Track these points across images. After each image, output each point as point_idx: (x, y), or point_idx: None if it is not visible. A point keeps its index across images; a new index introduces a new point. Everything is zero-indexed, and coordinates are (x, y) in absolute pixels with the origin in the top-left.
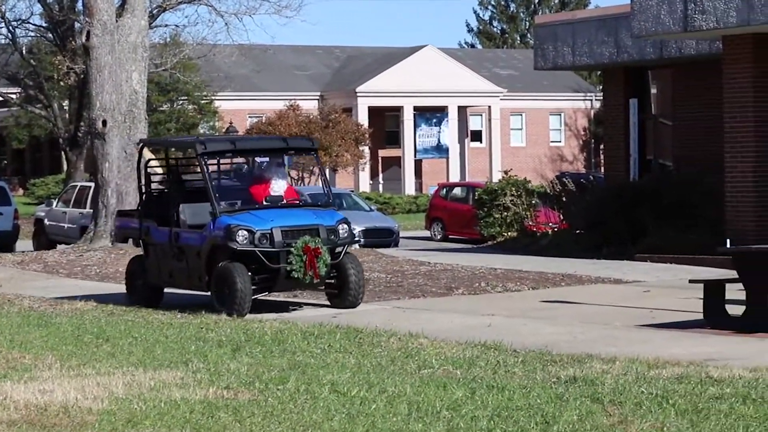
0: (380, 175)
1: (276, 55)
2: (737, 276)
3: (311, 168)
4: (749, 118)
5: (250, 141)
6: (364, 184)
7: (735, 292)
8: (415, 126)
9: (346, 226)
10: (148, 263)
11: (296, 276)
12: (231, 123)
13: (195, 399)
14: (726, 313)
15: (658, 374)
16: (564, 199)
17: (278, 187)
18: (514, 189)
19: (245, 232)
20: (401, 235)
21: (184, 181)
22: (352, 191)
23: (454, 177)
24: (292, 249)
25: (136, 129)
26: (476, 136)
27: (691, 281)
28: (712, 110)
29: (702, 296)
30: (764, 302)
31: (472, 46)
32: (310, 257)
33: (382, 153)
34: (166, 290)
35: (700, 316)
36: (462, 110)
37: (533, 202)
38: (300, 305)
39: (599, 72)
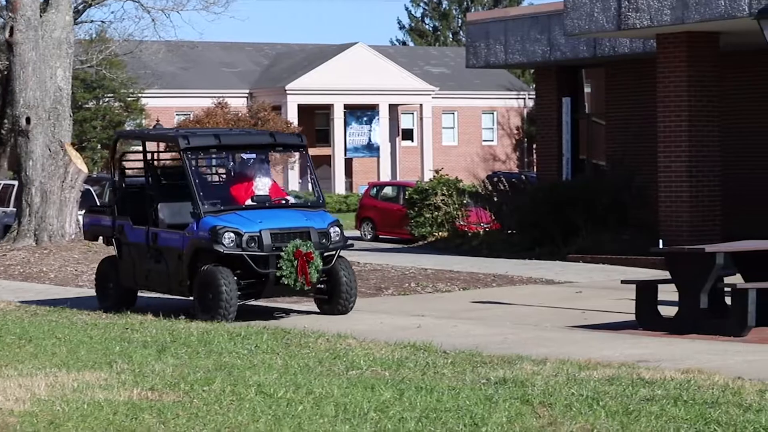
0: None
1: (204, 52)
2: (670, 277)
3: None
4: (683, 117)
5: (236, 136)
6: (294, 183)
7: (668, 293)
8: (346, 124)
9: (338, 228)
10: (121, 264)
11: (286, 282)
12: (158, 121)
13: (119, 400)
14: (658, 314)
15: (589, 376)
16: (496, 198)
17: (263, 185)
18: (445, 188)
19: (232, 235)
20: None
21: (160, 177)
22: None
23: (385, 176)
24: (283, 253)
25: (60, 127)
26: (407, 134)
27: (623, 282)
28: (646, 110)
29: (634, 297)
30: (697, 303)
31: (404, 43)
32: (301, 262)
33: (311, 152)
34: (139, 293)
35: (633, 317)
36: (393, 108)
37: (464, 201)
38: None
39: (532, 70)
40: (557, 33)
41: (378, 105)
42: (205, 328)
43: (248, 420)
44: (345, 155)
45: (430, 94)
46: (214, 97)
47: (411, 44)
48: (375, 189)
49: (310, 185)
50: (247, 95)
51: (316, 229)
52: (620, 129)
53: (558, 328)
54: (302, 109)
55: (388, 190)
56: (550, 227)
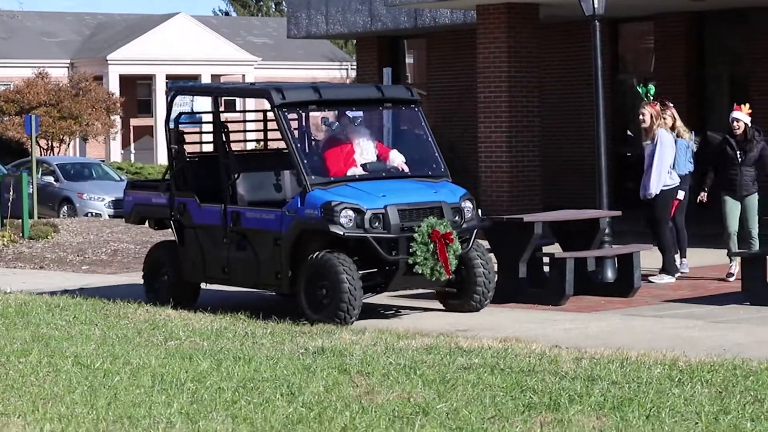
0: (132, 145)
1: (23, 22)
2: (489, 246)
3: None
4: (503, 88)
5: (338, 90)
6: (116, 154)
7: None
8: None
9: (470, 203)
10: (184, 253)
11: (420, 271)
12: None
13: None
14: None
15: (408, 345)
16: None
17: (369, 150)
18: None
19: (351, 212)
20: None
21: (230, 144)
22: (103, 161)
23: (208, 146)
24: (416, 235)
25: None
26: (230, 105)
27: None
28: (466, 81)
29: None
30: (516, 273)
31: (227, 14)
32: (440, 245)
33: (134, 122)
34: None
35: None
36: (216, 79)
37: None
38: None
39: (354, 41)
40: (378, 3)
41: (200, 75)
42: (24, 300)
43: (64, 391)
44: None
45: (252, 65)
46: (35, 66)
47: (234, 14)
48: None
49: (430, 151)
50: (68, 65)
51: (449, 204)
52: (441, 99)
53: (377, 298)
54: (124, 79)
55: None
56: None
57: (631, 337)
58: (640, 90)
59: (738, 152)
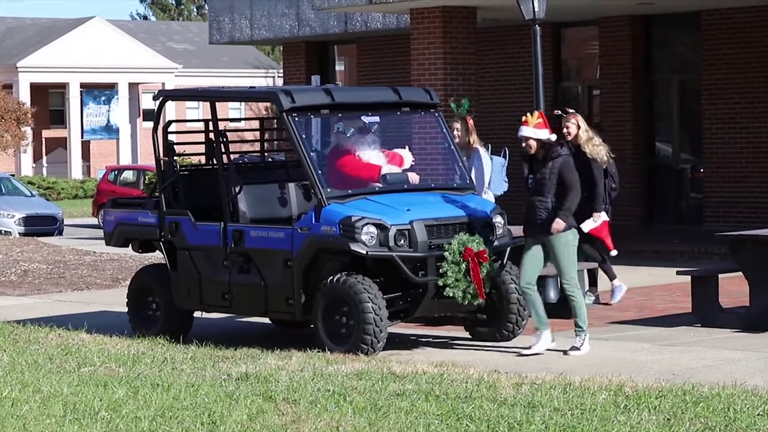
0: (44, 158)
1: None
2: None
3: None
4: (439, 93)
5: (352, 92)
6: (27, 168)
7: None
8: (82, 104)
9: (501, 218)
10: (176, 278)
11: (452, 294)
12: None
13: None
14: None
15: (337, 370)
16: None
17: (377, 158)
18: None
19: (373, 229)
20: (66, 222)
21: (229, 154)
22: (13, 175)
23: (125, 159)
24: (446, 253)
25: None
26: (149, 115)
27: None
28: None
29: None
30: None
31: (146, 18)
32: (473, 265)
33: (46, 134)
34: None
35: None
36: (134, 87)
37: None
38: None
39: (281, 47)
40: (306, 7)
41: (117, 84)
42: None
43: None
44: (82, 137)
45: (173, 72)
46: None
47: (153, 18)
48: (113, 173)
49: (453, 161)
50: None
51: (480, 219)
52: None
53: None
54: (35, 87)
55: (127, 175)
56: None
57: (574, 362)
58: (452, 105)
59: (530, 178)
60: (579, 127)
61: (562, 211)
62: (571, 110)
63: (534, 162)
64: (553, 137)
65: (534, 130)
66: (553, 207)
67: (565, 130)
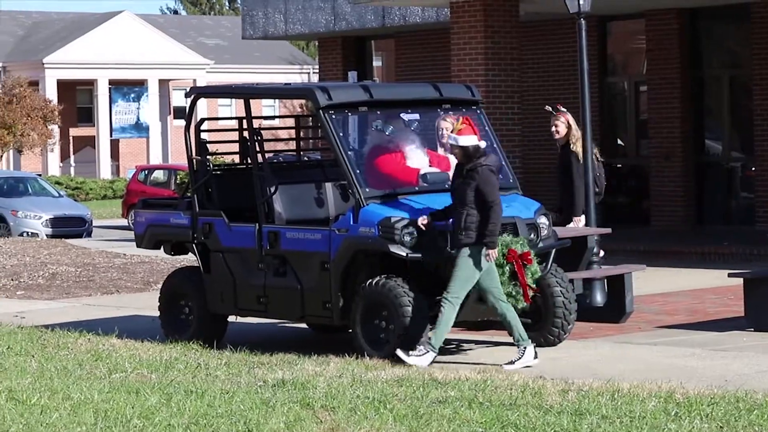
0: (72, 157)
1: None
2: None
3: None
4: (480, 90)
5: (391, 89)
6: (54, 167)
7: None
8: (111, 102)
9: (545, 219)
10: (210, 281)
11: None
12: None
13: None
14: None
15: (377, 376)
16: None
17: (419, 159)
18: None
19: (414, 230)
20: (95, 224)
21: (264, 153)
22: (39, 175)
23: (156, 159)
24: None
25: None
26: (179, 112)
27: None
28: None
29: None
30: None
31: (176, 12)
32: (518, 267)
33: (73, 132)
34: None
35: None
36: (164, 84)
37: None
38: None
39: (316, 42)
40: (342, 1)
41: (147, 80)
42: None
43: None
44: (111, 136)
45: (204, 68)
46: None
47: (183, 13)
48: (143, 173)
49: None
50: (0, 69)
51: (523, 220)
52: None
53: None
54: (62, 84)
55: (158, 174)
56: None
57: (622, 367)
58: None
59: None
60: (570, 127)
61: (486, 237)
62: (563, 109)
63: (456, 169)
64: (482, 144)
65: (456, 137)
66: (467, 221)
67: (553, 129)
